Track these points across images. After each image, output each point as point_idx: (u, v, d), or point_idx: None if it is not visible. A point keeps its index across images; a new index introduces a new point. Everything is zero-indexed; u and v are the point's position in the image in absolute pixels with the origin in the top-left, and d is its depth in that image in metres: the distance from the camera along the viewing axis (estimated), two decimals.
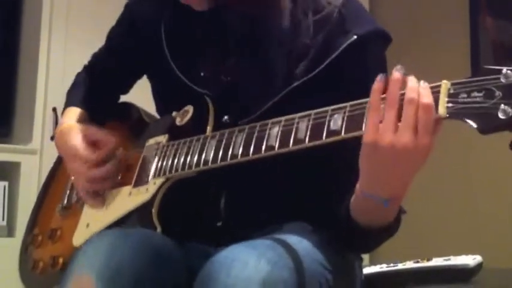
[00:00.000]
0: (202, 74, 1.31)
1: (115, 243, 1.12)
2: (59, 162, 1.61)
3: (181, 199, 1.29)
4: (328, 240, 1.19)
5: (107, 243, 1.12)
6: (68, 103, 1.54)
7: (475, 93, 0.91)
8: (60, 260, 1.39)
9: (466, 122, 0.91)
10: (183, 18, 1.33)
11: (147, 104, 1.47)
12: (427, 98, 0.95)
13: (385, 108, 0.98)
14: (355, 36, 1.20)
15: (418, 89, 0.96)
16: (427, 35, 3.63)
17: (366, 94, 1.03)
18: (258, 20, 1.26)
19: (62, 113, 1.53)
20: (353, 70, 1.21)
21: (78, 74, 1.61)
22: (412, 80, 0.98)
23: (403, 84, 0.98)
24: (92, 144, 1.39)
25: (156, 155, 1.31)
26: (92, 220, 1.38)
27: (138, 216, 1.29)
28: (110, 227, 1.31)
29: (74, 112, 1.50)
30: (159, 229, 1.24)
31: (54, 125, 2.92)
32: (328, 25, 1.23)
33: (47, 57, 3.05)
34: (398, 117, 0.97)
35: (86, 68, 1.62)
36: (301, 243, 1.12)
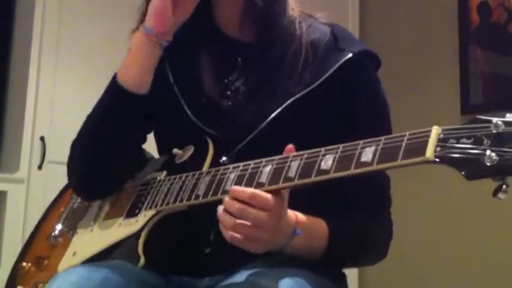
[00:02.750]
0: (203, 100, 1.33)
1: (79, 282, 1.12)
2: (58, 197, 1.61)
3: (172, 232, 1.29)
4: (316, 278, 1.18)
5: (72, 281, 1.13)
6: None
7: (464, 140, 0.92)
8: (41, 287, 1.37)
9: (452, 167, 0.92)
10: (187, 46, 1.36)
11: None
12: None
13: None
14: (351, 54, 1.27)
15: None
16: (417, 65, 3.65)
17: (359, 110, 1.22)
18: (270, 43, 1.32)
19: None
20: (349, 87, 1.28)
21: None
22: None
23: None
24: None
25: (150, 188, 1.32)
26: (79, 249, 1.37)
27: (126, 247, 1.28)
28: (97, 256, 1.31)
29: None
30: (142, 260, 1.23)
31: (42, 154, 2.93)
32: (323, 43, 1.30)
33: (35, 86, 3.05)
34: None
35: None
36: (287, 283, 1.11)
